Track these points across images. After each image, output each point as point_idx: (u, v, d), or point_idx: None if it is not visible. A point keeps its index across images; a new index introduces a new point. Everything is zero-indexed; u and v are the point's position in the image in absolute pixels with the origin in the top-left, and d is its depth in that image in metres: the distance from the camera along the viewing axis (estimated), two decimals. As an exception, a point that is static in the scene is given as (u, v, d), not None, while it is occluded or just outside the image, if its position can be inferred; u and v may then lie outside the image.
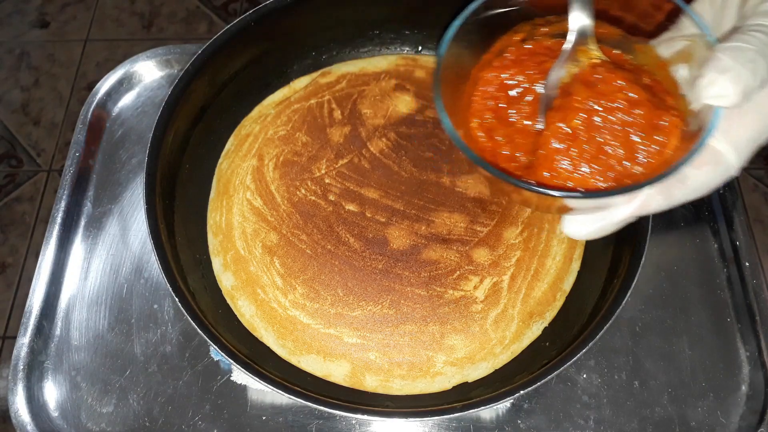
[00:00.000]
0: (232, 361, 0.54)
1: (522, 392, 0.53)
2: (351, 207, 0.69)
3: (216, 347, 0.54)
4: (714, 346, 0.67)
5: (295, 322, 0.64)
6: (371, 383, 0.62)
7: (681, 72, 0.44)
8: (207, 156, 0.73)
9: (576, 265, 0.67)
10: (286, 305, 0.64)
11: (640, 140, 0.43)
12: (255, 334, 0.64)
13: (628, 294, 0.55)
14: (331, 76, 0.78)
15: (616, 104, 0.43)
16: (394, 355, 0.62)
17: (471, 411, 0.53)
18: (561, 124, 0.44)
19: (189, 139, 0.69)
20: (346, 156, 0.72)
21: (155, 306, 0.69)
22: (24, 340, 0.66)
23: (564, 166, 0.44)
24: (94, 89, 0.81)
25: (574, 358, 0.53)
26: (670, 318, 0.68)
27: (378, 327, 0.63)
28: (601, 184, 0.43)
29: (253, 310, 0.65)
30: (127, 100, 0.83)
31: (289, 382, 0.55)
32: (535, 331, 0.64)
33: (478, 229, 0.67)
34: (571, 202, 0.45)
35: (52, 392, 0.66)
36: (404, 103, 0.75)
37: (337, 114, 0.75)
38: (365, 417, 0.53)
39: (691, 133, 0.42)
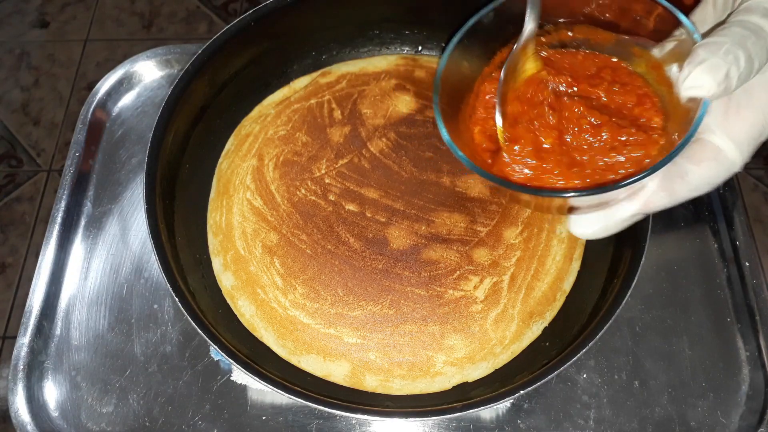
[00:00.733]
0: (232, 361, 0.54)
1: (522, 392, 0.53)
2: (351, 207, 0.69)
3: (216, 347, 0.54)
4: (714, 346, 0.67)
5: (295, 322, 0.64)
6: (371, 383, 0.62)
7: (674, 71, 0.45)
8: (207, 156, 0.73)
9: (576, 265, 0.67)
10: (286, 305, 0.64)
11: (617, 156, 0.45)
12: (255, 334, 0.64)
13: (628, 294, 0.55)
14: (331, 76, 0.78)
15: (583, 128, 0.46)
16: (394, 355, 0.62)
17: (471, 411, 0.53)
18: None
19: (189, 139, 0.69)
20: (346, 156, 0.72)
21: (155, 306, 0.69)
22: (24, 340, 0.67)
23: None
24: (94, 89, 0.81)
25: (574, 358, 0.53)
26: (670, 318, 0.68)
27: (378, 327, 0.63)
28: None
29: (253, 310, 0.65)
30: (127, 100, 0.83)
31: (289, 382, 0.55)
32: (535, 331, 0.64)
33: (478, 229, 0.67)
34: (571, 201, 0.46)
35: (52, 392, 0.66)
36: (404, 103, 0.75)
37: (337, 114, 0.75)
38: (365, 417, 0.53)
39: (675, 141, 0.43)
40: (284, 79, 0.78)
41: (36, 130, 1.81)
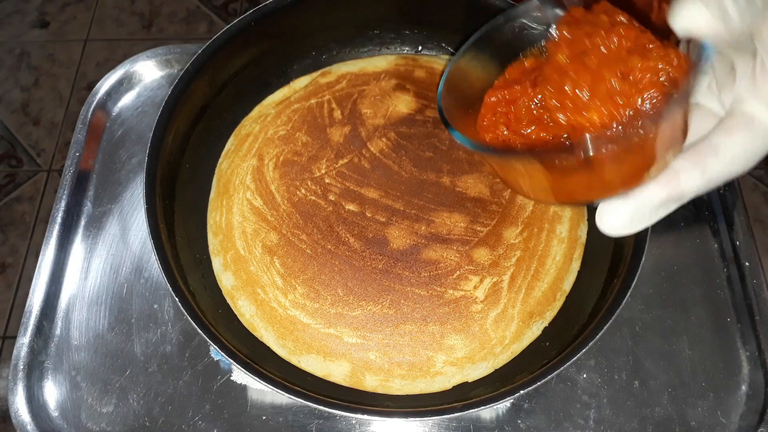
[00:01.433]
0: (232, 361, 0.54)
1: (522, 392, 0.53)
2: (351, 207, 0.69)
3: (216, 347, 0.54)
4: (714, 346, 0.67)
5: (295, 321, 0.64)
6: (371, 383, 0.62)
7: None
8: (207, 156, 0.73)
9: (576, 265, 0.67)
10: (286, 305, 0.64)
11: (638, 63, 0.41)
12: (255, 334, 0.64)
13: (628, 294, 0.55)
14: (331, 76, 0.78)
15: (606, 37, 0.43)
16: (394, 354, 0.62)
17: (471, 411, 0.53)
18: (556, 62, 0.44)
19: (189, 139, 0.69)
20: (346, 156, 0.72)
21: (155, 306, 0.69)
22: (24, 340, 0.67)
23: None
24: (94, 89, 0.81)
25: (574, 358, 0.53)
26: (670, 318, 0.68)
27: (378, 327, 0.63)
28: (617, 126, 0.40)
29: (253, 310, 0.65)
30: (127, 100, 0.83)
31: (289, 382, 0.55)
32: (535, 330, 0.64)
33: (478, 228, 0.67)
34: (588, 148, 0.40)
35: (52, 392, 0.66)
36: (404, 103, 0.75)
37: (337, 114, 0.75)
38: (365, 417, 0.53)
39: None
40: (284, 79, 0.78)
41: (36, 130, 1.81)
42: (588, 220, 0.69)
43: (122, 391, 0.65)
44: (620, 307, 0.55)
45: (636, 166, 0.42)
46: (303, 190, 0.70)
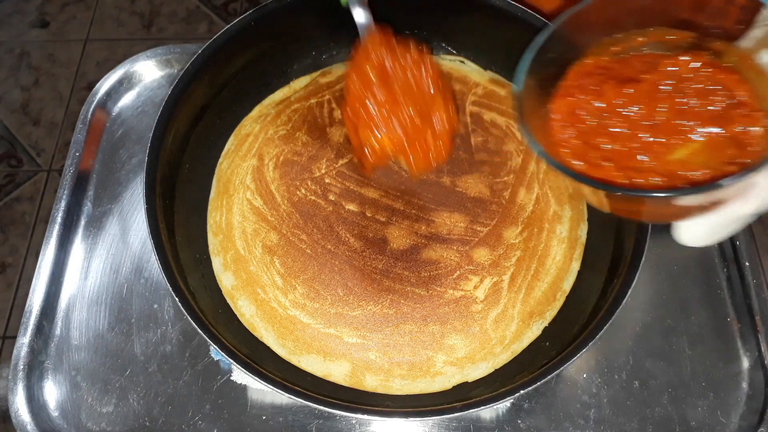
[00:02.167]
0: (232, 361, 0.54)
1: (522, 392, 0.53)
2: (351, 207, 0.69)
3: (216, 347, 0.54)
4: (714, 346, 0.67)
5: (295, 321, 0.64)
6: (371, 383, 0.62)
7: (765, 59, 0.44)
8: (207, 156, 0.73)
9: (576, 265, 0.67)
10: (286, 305, 0.64)
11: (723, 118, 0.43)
12: (255, 333, 0.64)
13: (628, 294, 0.55)
14: (331, 75, 0.78)
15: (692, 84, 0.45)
16: (394, 354, 0.62)
17: (471, 411, 0.53)
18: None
19: (189, 139, 0.69)
20: (346, 156, 0.72)
21: (155, 306, 0.69)
22: (24, 340, 0.67)
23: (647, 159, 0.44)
24: (94, 89, 0.81)
25: (574, 358, 0.53)
26: (670, 318, 0.68)
27: (378, 327, 0.63)
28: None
29: (253, 310, 0.65)
30: (127, 99, 0.83)
31: (289, 382, 0.55)
32: (535, 330, 0.64)
33: (478, 229, 0.67)
34: (681, 200, 0.43)
35: (52, 392, 0.66)
36: (404, 103, 0.75)
37: (337, 114, 0.75)
38: (365, 417, 0.53)
39: None
40: (284, 79, 0.78)
41: (36, 130, 1.81)
42: (588, 220, 0.69)
43: (122, 391, 0.65)
44: (620, 307, 0.55)
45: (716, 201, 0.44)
46: (303, 190, 0.70)
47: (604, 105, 0.48)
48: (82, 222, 0.74)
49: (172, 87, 0.64)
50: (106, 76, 0.82)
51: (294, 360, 0.63)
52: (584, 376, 0.66)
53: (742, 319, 0.68)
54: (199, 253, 0.67)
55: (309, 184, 0.70)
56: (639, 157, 0.45)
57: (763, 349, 0.66)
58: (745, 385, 0.65)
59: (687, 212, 0.46)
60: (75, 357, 0.67)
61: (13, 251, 1.63)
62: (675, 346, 0.67)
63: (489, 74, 0.77)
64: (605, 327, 0.54)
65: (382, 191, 0.69)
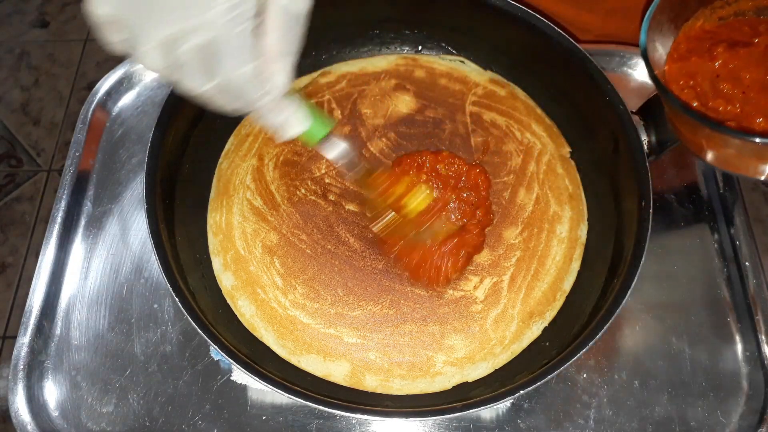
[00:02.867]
0: (232, 361, 0.54)
1: (522, 392, 0.53)
2: (351, 207, 0.69)
3: (216, 347, 0.54)
4: (714, 345, 0.67)
5: (295, 321, 0.64)
6: (371, 383, 0.62)
7: None
8: (207, 156, 0.73)
9: (576, 265, 0.67)
10: (286, 305, 0.64)
11: None
12: (255, 333, 0.64)
13: (628, 294, 0.55)
14: (331, 76, 0.78)
15: None
16: (394, 354, 0.62)
17: (471, 411, 0.53)
18: None
19: (189, 139, 0.69)
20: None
21: (155, 306, 0.69)
22: (24, 340, 0.66)
23: None
24: (94, 89, 0.81)
25: (574, 358, 0.53)
26: (670, 318, 0.68)
27: (378, 327, 0.63)
28: None
29: (253, 310, 0.65)
30: (127, 99, 0.83)
31: (289, 382, 0.55)
32: (535, 330, 0.64)
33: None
34: None
35: (52, 392, 0.66)
36: (404, 103, 0.75)
37: (337, 114, 0.75)
38: (365, 417, 0.53)
39: None
40: (284, 79, 0.77)
41: (36, 130, 1.81)
42: (588, 220, 0.69)
43: (122, 390, 0.65)
44: (620, 307, 0.55)
45: None
46: (303, 190, 0.70)
47: (718, 67, 0.49)
48: (82, 222, 0.74)
49: (172, 87, 0.64)
50: (106, 76, 0.82)
51: (294, 360, 0.63)
52: (584, 376, 0.66)
53: (742, 318, 0.68)
54: (199, 253, 0.67)
55: (309, 184, 0.70)
56: (758, 120, 0.47)
57: (763, 349, 0.66)
58: (745, 385, 0.65)
59: None
60: (75, 357, 0.67)
61: (13, 251, 1.63)
62: (675, 346, 0.67)
63: (489, 74, 0.77)
64: (605, 327, 0.54)
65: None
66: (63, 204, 0.74)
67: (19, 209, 1.69)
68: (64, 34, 1.96)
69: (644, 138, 0.63)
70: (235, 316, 0.65)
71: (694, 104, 0.51)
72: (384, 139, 0.73)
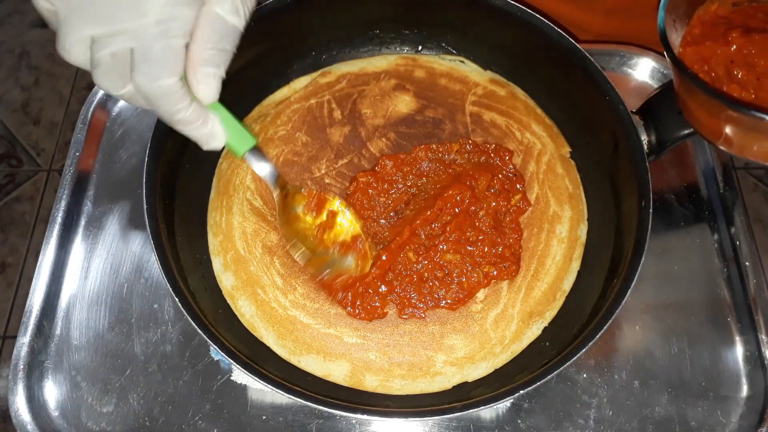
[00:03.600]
0: (232, 361, 0.54)
1: (522, 392, 0.53)
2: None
3: (216, 347, 0.54)
4: (714, 345, 0.67)
5: (295, 322, 0.64)
6: (371, 383, 0.62)
7: None
8: (207, 156, 0.73)
9: (576, 265, 0.67)
10: (287, 305, 0.64)
11: None
12: (255, 334, 0.64)
13: (628, 294, 0.55)
14: (331, 76, 0.77)
15: None
16: (394, 354, 0.62)
17: (471, 411, 0.53)
18: None
19: (189, 139, 0.69)
20: (346, 156, 0.72)
21: (155, 306, 0.69)
22: (24, 340, 0.66)
23: None
24: (94, 89, 0.81)
25: (574, 358, 0.53)
26: (670, 318, 0.68)
27: (378, 327, 0.63)
28: None
29: (254, 310, 0.65)
30: (127, 99, 0.83)
31: (289, 382, 0.55)
32: (535, 330, 0.64)
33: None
34: None
35: (52, 392, 0.66)
36: (404, 103, 0.75)
37: (337, 114, 0.75)
38: (365, 417, 0.53)
39: None
40: (284, 79, 0.78)
41: (36, 130, 1.81)
42: (588, 220, 0.69)
43: (122, 390, 0.65)
44: (620, 307, 0.55)
45: None
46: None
47: (733, 52, 0.50)
48: (82, 222, 0.74)
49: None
50: (106, 76, 0.82)
51: (294, 360, 0.63)
52: (584, 376, 0.66)
53: (742, 318, 0.68)
54: (199, 253, 0.67)
55: (309, 184, 0.70)
56: None
57: (763, 349, 0.66)
58: (745, 385, 0.65)
59: None
60: (75, 357, 0.67)
61: (13, 251, 1.63)
62: (675, 346, 0.67)
63: (489, 74, 0.77)
64: (605, 327, 0.54)
65: (382, 191, 0.69)
66: (63, 204, 0.74)
67: (19, 209, 1.69)
68: (64, 34, 1.96)
69: (644, 138, 0.63)
70: (235, 316, 0.65)
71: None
72: (384, 139, 0.73)
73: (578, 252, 0.68)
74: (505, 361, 0.63)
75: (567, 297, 0.66)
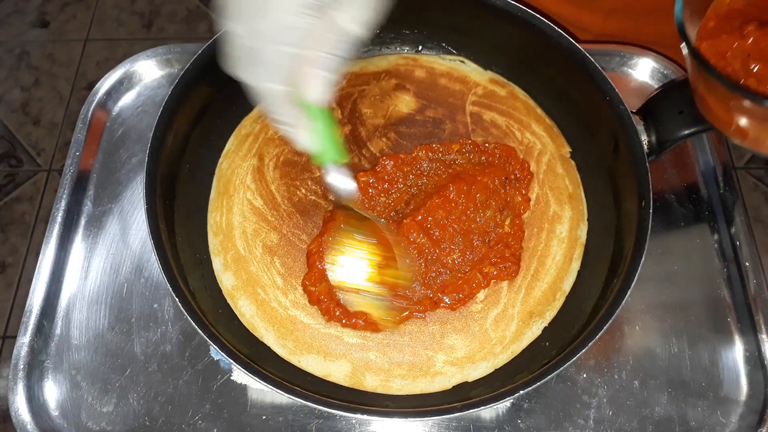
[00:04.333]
0: (232, 361, 0.54)
1: (522, 392, 0.53)
2: (351, 207, 0.69)
3: (216, 347, 0.54)
4: (714, 345, 0.67)
5: (295, 321, 0.64)
6: (371, 383, 0.62)
7: None
8: (207, 156, 0.73)
9: (576, 265, 0.67)
10: (287, 305, 0.64)
11: None
12: (255, 333, 0.64)
13: (628, 294, 0.55)
14: (331, 75, 0.77)
15: None
16: (394, 354, 0.62)
17: (471, 411, 0.53)
18: None
19: (189, 139, 0.69)
20: (346, 156, 0.72)
21: (155, 305, 0.69)
22: (24, 340, 0.66)
23: None
24: (94, 89, 0.81)
25: (574, 358, 0.53)
26: (670, 318, 0.68)
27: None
28: None
29: (254, 310, 0.65)
30: (127, 99, 0.83)
31: (289, 382, 0.55)
32: (535, 330, 0.64)
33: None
34: None
35: (52, 391, 0.66)
36: (404, 103, 0.75)
37: (337, 114, 0.75)
38: (365, 417, 0.53)
39: None
40: (284, 79, 0.77)
41: (36, 130, 1.81)
42: (588, 220, 0.69)
43: (122, 390, 0.65)
44: (620, 307, 0.55)
45: None
46: (303, 190, 0.70)
47: (749, 45, 0.49)
48: (82, 222, 0.74)
49: (172, 87, 0.64)
50: (106, 76, 0.82)
51: (294, 360, 0.63)
52: (584, 376, 0.66)
53: (742, 318, 0.68)
54: (199, 253, 0.67)
55: (309, 183, 0.70)
56: None
57: (763, 349, 0.66)
58: (745, 385, 0.65)
59: None
60: (75, 356, 0.67)
61: (13, 251, 1.63)
62: (675, 346, 0.67)
63: (489, 74, 0.77)
64: (605, 327, 0.54)
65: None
66: (63, 204, 0.74)
67: (19, 209, 1.69)
68: (64, 34, 1.96)
69: (644, 138, 0.63)
70: (236, 316, 0.65)
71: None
72: (384, 139, 0.73)
73: (578, 252, 0.68)
74: (505, 361, 0.63)
75: (567, 297, 0.66)
